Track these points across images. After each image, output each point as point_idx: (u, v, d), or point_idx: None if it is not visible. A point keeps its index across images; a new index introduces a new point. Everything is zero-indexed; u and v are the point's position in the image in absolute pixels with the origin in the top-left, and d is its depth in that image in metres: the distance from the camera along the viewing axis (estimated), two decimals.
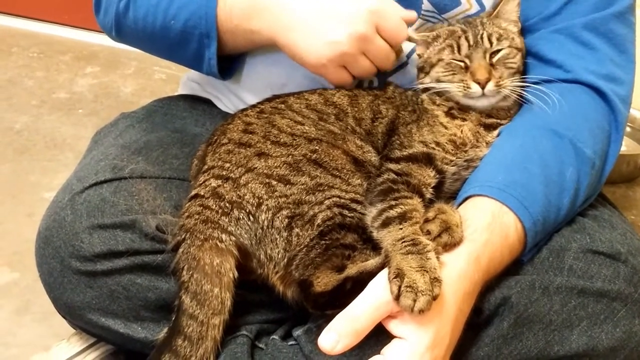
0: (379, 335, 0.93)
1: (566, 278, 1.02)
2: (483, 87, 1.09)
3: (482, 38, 1.11)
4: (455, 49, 1.12)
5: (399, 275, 0.89)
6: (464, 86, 1.10)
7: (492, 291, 1.01)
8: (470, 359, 1.02)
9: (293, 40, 1.13)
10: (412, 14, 1.16)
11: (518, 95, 1.11)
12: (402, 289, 0.88)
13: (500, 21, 1.15)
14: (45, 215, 1.12)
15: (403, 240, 0.94)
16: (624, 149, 1.18)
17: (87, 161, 1.20)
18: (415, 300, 0.87)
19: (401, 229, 0.96)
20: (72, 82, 2.69)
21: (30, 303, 1.58)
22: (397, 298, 0.88)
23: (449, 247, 0.95)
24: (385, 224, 0.98)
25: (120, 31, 1.27)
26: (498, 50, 1.11)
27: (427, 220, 0.97)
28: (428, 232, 0.95)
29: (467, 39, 1.11)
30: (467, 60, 1.11)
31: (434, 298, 0.88)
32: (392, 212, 0.99)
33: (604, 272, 1.02)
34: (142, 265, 1.07)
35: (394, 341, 0.92)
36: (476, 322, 1.01)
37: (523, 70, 1.16)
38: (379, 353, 0.92)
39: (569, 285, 1.01)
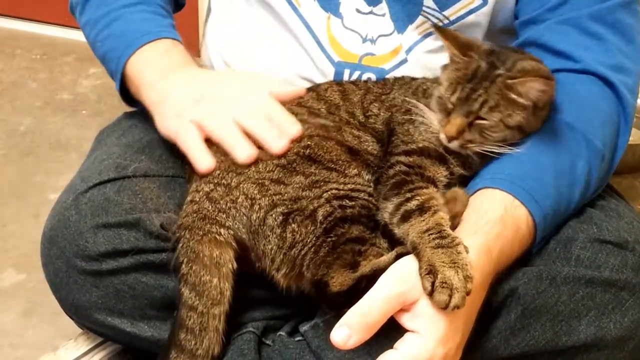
0: (390, 331, 0.92)
1: (573, 268, 1.01)
2: (448, 142, 1.04)
3: (476, 98, 1.02)
4: (452, 89, 1.05)
5: (432, 271, 0.89)
6: (438, 128, 1.06)
7: (499, 283, 1.00)
8: (478, 351, 1.02)
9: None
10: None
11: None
12: (436, 285, 0.88)
13: (510, 93, 1.02)
14: (50, 215, 1.12)
15: (429, 232, 0.93)
16: (630, 139, 1.17)
17: (90, 161, 1.20)
18: (451, 297, 0.87)
19: (423, 220, 0.95)
20: (75, 83, 2.69)
21: (37, 304, 1.58)
22: (430, 294, 0.88)
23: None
24: (405, 217, 0.97)
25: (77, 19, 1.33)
26: (483, 118, 1.03)
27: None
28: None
29: (464, 88, 1.03)
30: (451, 107, 1.05)
31: (467, 294, 0.88)
32: (410, 205, 0.98)
33: (611, 261, 1.01)
34: (147, 263, 1.06)
35: (406, 335, 0.91)
36: (484, 314, 1.00)
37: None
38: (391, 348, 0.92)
39: (577, 275, 1.01)
